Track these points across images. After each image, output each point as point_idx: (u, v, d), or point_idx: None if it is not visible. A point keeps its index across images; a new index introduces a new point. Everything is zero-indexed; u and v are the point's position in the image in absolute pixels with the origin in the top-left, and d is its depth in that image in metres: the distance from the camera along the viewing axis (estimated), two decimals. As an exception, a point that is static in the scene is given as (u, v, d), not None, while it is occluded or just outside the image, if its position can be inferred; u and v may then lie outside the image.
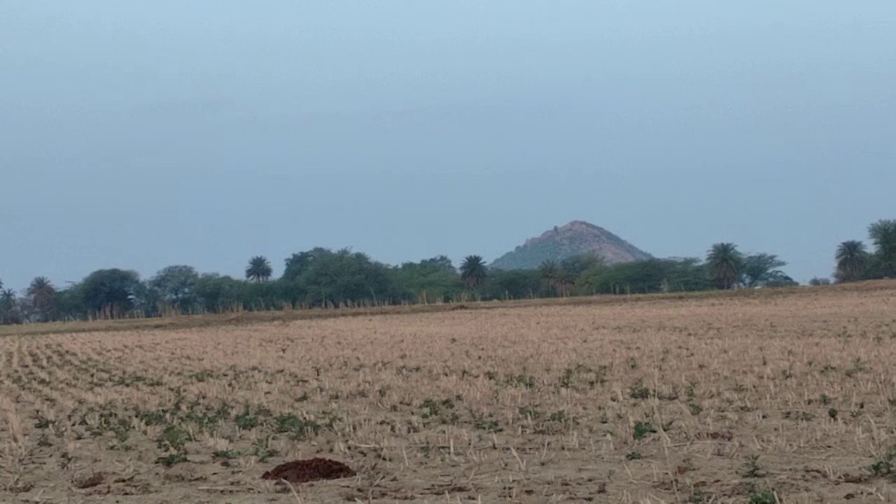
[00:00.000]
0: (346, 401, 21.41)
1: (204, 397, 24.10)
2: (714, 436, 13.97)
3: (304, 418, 18.11)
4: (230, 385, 26.94)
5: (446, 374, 26.20)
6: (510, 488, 11.10)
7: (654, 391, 19.71)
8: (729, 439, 13.62)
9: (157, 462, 14.18)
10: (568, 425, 15.69)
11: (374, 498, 11.00)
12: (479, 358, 31.84)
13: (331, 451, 14.43)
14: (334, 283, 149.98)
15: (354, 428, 16.58)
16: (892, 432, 13.41)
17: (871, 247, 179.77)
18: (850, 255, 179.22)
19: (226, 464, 13.85)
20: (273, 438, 15.88)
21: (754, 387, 19.87)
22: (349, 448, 14.57)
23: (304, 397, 22.64)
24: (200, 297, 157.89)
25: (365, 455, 13.90)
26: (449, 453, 13.62)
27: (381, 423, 17.31)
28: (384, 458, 13.57)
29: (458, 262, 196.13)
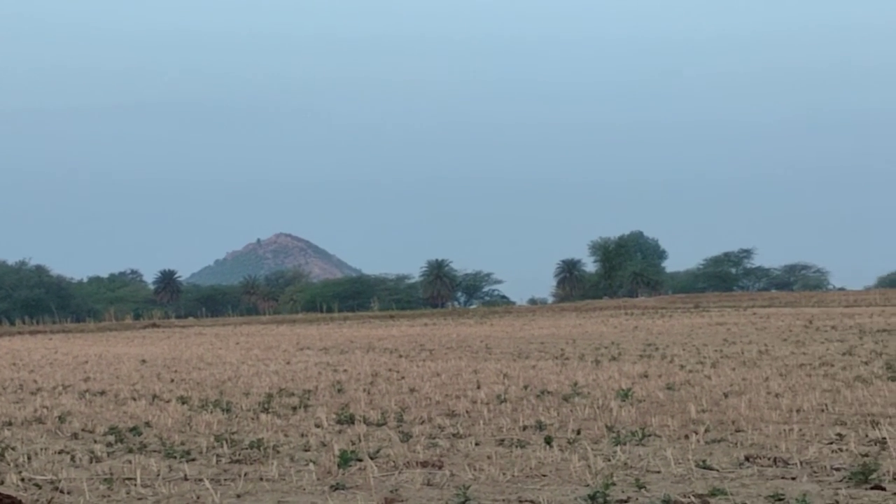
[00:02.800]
0: (21, 428, 20.68)
1: None
2: (424, 464, 14.11)
3: (-30, 448, 17.38)
4: None
5: (135, 399, 25.66)
6: (202, 524, 10.92)
7: (362, 417, 19.80)
8: (440, 468, 13.79)
9: None
10: (268, 454, 15.58)
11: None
12: (172, 381, 31.33)
13: (1, 483, 13.91)
14: (10, 297, 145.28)
15: (29, 458, 16.02)
16: (609, 460, 13.85)
17: (590, 265, 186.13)
18: (569, 274, 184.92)
19: None
20: (-67, 471, 15.19)
21: (467, 412, 20.21)
22: (23, 480, 14.07)
23: (-29, 425, 21.76)
24: None
25: (40, 488, 13.44)
26: (135, 485, 13.32)
27: (60, 452, 16.79)
28: (62, 491, 13.16)
29: (150, 277, 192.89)
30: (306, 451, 15.98)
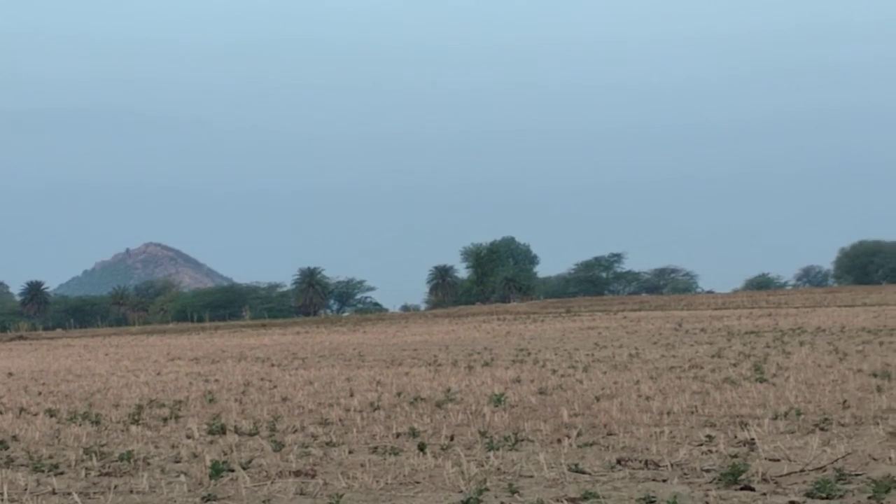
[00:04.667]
0: None
1: None
2: (297, 474, 14.02)
3: None
4: None
5: (1, 413, 25.17)
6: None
7: (234, 427, 19.63)
8: (313, 477, 13.71)
9: None
10: (138, 466, 15.37)
11: None
12: (40, 394, 30.79)
13: None
14: None
15: None
16: (482, 465, 13.89)
17: (463, 271, 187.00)
18: (441, 280, 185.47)
19: None
20: None
21: (341, 420, 20.14)
22: None
23: None
24: None
25: None
26: (2, 500, 13.05)
27: (-78, 469, 16.39)
28: (-76, 510, 12.85)
29: (16, 288, 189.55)
30: (177, 462, 15.80)
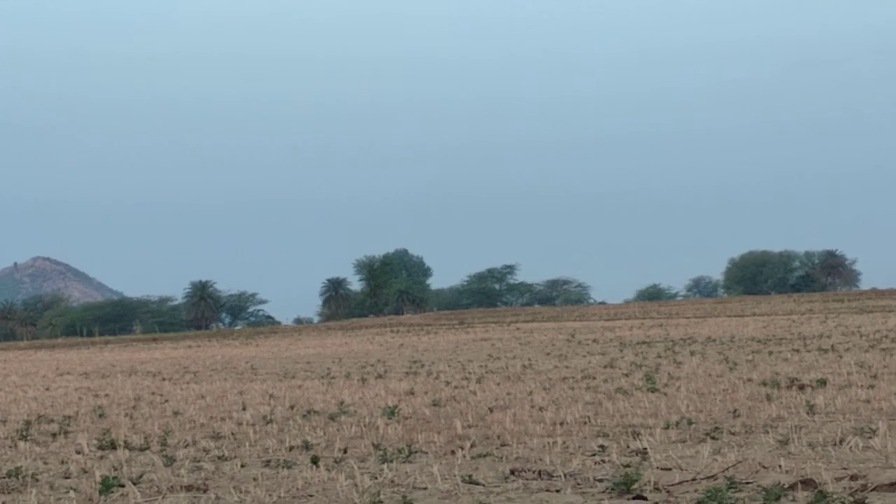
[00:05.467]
0: None
1: None
2: (189, 488, 13.87)
3: None
4: None
5: None
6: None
7: (124, 442, 19.37)
8: (205, 491, 13.57)
9: None
10: (26, 482, 15.09)
11: None
12: (-77, 410, 30.15)
13: None
14: None
15: None
16: (376, 478, 13.84)
17: (356, 283, 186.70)
18: (334, 293, 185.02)
19: None
20: None
21: (233, 434, 19.98)
22: None
23: None
24: None
25: None
26: None
27: None
28: None
29: None
30: (67, 478, 15.55)
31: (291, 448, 17.63)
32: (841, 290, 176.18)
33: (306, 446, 17.62)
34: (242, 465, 15.90)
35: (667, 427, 17.91)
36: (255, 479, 14.28)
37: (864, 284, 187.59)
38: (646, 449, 15.37)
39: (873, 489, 11.54)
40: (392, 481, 13.63)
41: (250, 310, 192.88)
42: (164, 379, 39.97)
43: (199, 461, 16.51)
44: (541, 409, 21.93)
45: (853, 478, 12.28)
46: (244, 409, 25.10)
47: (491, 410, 21.95)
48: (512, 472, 13.86)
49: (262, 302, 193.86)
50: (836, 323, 67.46)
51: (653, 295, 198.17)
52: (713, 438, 16.50)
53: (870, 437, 15.49)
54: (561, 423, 19.27)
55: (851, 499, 10.98)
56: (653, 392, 24.48)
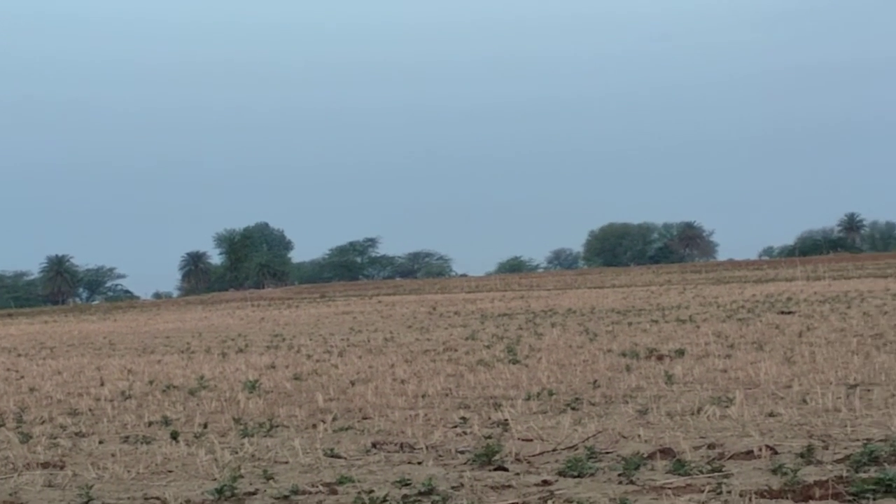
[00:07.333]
0: None
1: None
2: (45, 465, 13.65)
3: None
4: None
5: None
6: None
7: (-22, 419, 19.00)
8: (62, 468, 13.37)
9: None
10: None
11: None
12: None
13: None
14: None
15: None
16: (237, 452, 13.76)
17: (216, 257, 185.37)
18: (194, 267, 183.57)
19: None
20: None
21: (91, 410, 19.71)
22: None
23: None
24: None
25: None
26: None
27: None
28: None
29: None
30: (-83, 457, 15.20)
31: (150, 423, 17.45)
32: (699, 261, 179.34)
33: (166, 422, 17.45)
34: (100, 442, 15.69)
35: (528, 398, 18.06)
36: (113, 455, 14.10)
37: (722, 255, 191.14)
38: (507, 420, 15.48)
39: (730, 457, 11.76)
40: (253, 455, 13.56)
41: (108, 284, 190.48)
42: (19, 355, 39.28)
43: (55, 438, 16.25)
44: (402, 381, 21.97)
45: (710, 446, 12.50)
46: (102, 384, 24.77)
47: (353, 384, 21.94)
48: (374, 445, 13.87)
49: (121, 276, 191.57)
50: (694, 294, 68.62)
51: (514, 267, 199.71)
52: (574, 409, 16.68)
53: (727, 407, 15.78)
54: (423, 396, 19.34)
55: (709, 467, 11.18)
56: (514, 364, 24.67)
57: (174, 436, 15.42)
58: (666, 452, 12.05)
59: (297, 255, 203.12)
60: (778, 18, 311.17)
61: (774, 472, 10.68)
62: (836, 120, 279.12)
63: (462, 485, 11.08)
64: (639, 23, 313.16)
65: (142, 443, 15.22)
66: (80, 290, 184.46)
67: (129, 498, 11.38)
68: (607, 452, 12.52)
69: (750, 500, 9.75)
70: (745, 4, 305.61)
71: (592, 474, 11.19)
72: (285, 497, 10.97)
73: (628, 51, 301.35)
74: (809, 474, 10.48)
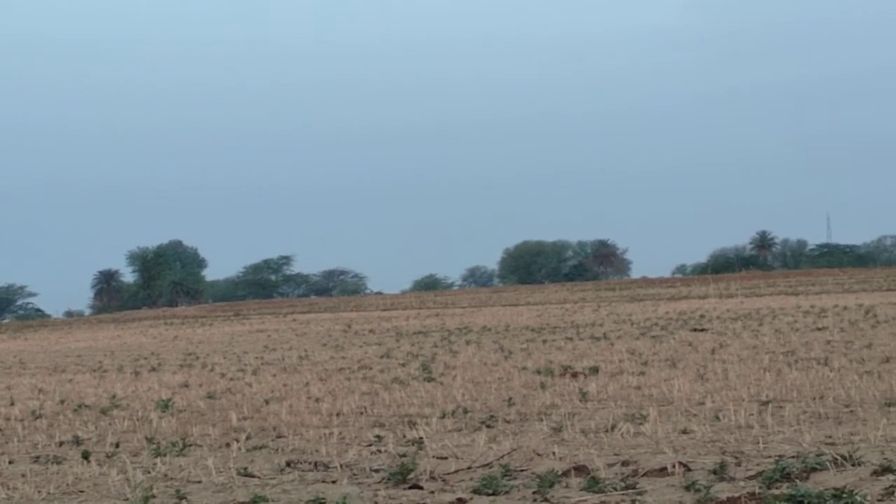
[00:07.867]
0: None
1: None
2: (-47, 487, 13.43)
3: None
4: None
5: None
6: None
7: None
8: (-30, 490, 13.16)
9: None
10: None
11: None
12: None
13: None
14: None
15: None
16: (149, 472, 13.62)
17: (129, 275, 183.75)
18: (107, 285, 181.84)
19: None
20: None
21: (0, 430, 19.44)
22: None
23: None
24: None
25: None
26: None
27: None
28: None
29: None
30: None
31: (62, 443, 17.24)
32: (612, 278, 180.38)
33: (77, 441, 17.25)
34: (10, 462, 15.47)
35: (443, 416, 18.08)
36: (23, 476, 13.91)
37: (635, 273, 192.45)
38: (422, 438, 15.48)
39: (644, 474, 11.83)
40: (166, 475, 13.44)
41: (19, 303, 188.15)
42: (-74, 374, 38.66)
43: (-37, 459, 16.00)
44: (317, 400, 21.90)
45: (625, 463, 12.56)
46: (12, 404, 24.44)
47: (267, 402, 21.84)
48: (288, 464, 13.79)
49: (32, 295, 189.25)
50: (608, 311, 69.04)
51: (429, 285, 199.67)
52: (488, 427, 16.71)
53: (640, 424, 15.89)
54: (337, 414, 19.29)
55: (623, 484, 11.23)
56: (429, 381, 24.68)
57: (86, 456, 15.25)
58: (580, 470, 12.10)
59: (211, 273, 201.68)
60: (686, 46, 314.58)
61: (687, 488, 10.75)
62: (749, 141, 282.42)
63: (377, 503, 11.06)
64: (554, 45, 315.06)
65: (53, 463, 15.02)
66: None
67: (39, 519, 11.23)
68: (522, 470, 12.55)
69: (663, 516, 9.81)
70: (658, 28, 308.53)
71: (507, 492, 11.21)
72: (198, 517, 10.88)
73: (544, 73, 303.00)
74: (722, 491, 10.56)
